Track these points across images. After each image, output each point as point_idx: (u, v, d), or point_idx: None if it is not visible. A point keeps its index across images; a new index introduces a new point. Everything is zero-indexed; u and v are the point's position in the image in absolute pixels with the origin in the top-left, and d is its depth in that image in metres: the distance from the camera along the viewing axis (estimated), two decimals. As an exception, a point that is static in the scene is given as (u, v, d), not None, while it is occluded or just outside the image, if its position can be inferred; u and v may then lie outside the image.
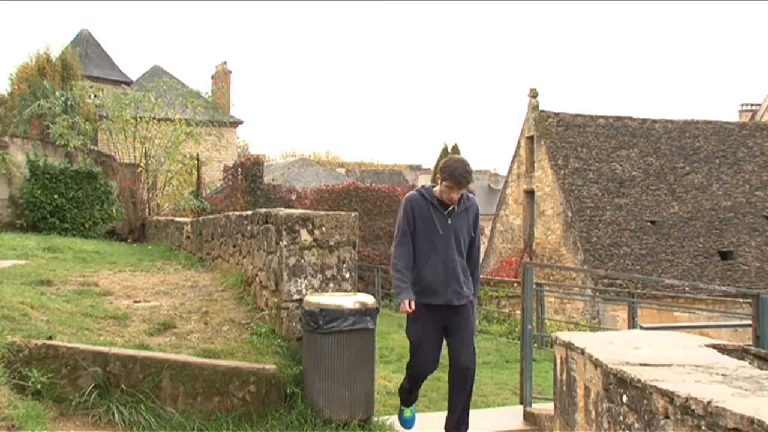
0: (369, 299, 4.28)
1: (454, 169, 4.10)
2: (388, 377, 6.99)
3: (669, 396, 2.07)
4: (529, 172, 21.06)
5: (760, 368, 2.77)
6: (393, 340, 10.04)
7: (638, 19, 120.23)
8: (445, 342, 4.33)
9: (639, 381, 2.28)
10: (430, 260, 4.15)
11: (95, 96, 18.46)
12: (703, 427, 1.89)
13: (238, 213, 6.62)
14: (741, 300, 14.06)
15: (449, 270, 4.15)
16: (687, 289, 16.70)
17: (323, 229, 4.60)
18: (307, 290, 4.54)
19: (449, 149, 33.60)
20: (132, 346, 4.35)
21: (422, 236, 4.19)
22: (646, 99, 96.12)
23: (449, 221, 4.21)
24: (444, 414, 4.45)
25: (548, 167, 19.83)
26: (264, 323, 4.86)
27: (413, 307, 4.04)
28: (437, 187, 4.26)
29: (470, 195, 4.35)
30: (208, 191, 22.51)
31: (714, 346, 3.02)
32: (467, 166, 4.15)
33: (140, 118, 15.98)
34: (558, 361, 3.52)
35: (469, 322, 4.28)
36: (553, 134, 20.30)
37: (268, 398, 4.14)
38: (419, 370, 4.31)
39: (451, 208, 4.22)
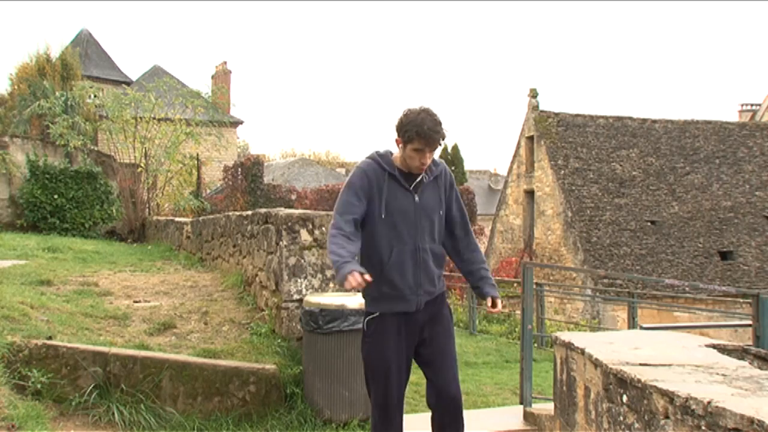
0: (369, 299, 4.28)
1: (420, 124, 2.97)
2: (388, 377, 6.98)
3: (669, 396, 2.07)
4: (529, 172, 21.06)
5: (760, 368, 2.77)
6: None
7: (638, 19, 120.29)
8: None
9: (639, 381, 2.28)
10: (393, 253, 3.04)
11: (95, 96, 18.49)
12: (703, 427, 1.89)
13: (238, 213, 6.63)
14: (741, 300, 14.06)
15: (420, 264, 3.07)
16: (687, 289, 16.70)
17: (323, 229, 4.60)
18: (307, 290, 4.55)
19: (449, 149, 33.63)
20: (132, 346, 4.35)
21: (380, 221, 3.06)
22: (646, 99, 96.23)
23: (416, 198, 3.09)
24: (424, 416, 3.65)
25: (548, 167, 19.83)
26: (264, 323, 4.86)
27: (367, 279, 2.81)
28: (397, 154, 3.14)
29: (436, 159, 3.22)
30: (208, 191, 22.53)
31: (714, 346, 3.02)
32: (436, 117, 3.04)
33: (140, 118, 16.01)
34: (558, 361, 3.52)
35: (450, 330, 3.23)
36: (553, 134, 20.30)
37: (268, 398, 4.14)
38: (386, 413, 3.10)
39: (418, 179, 3.11)
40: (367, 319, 3.16)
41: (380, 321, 3.10)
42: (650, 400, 2.19)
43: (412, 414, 5.49)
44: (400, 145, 3.06)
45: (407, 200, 3.08)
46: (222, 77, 30.42)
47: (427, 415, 3.38)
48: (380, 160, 3.12)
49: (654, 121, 21.47)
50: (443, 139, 3.07)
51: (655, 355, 2.71)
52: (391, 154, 3.16)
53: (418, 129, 2.97)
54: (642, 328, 5.01)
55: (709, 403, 1.89)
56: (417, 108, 3.06)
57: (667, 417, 2.10)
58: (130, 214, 14.98)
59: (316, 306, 4.14)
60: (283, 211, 4.75)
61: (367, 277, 2.82)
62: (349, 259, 2.87)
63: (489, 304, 3.18)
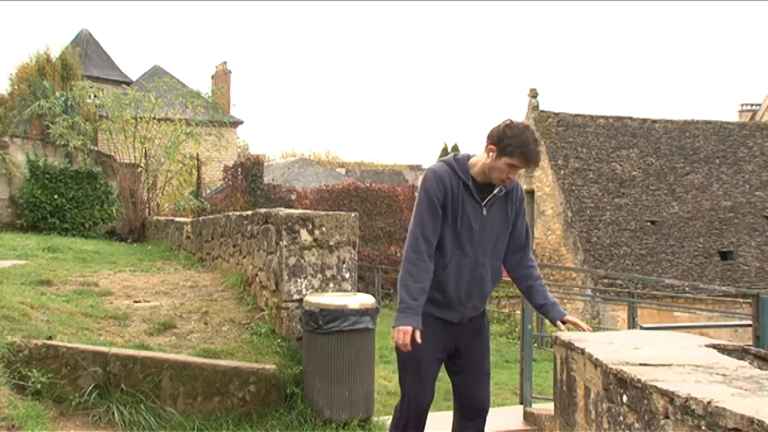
0: (369, 299, 4.28)
1: (526, 142, 2.89)
2: (388, 377, 6.99)
3: (669, 396, 2.07)
4: (529, 172, 21.06)
5: (760, 368, 2.77)
6: (393, 340, 10.03)
7: (638, 19, 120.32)
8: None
9: (639, 381, 2.28)
10: (452, 262, 3.02)
11: (95, 96, 18.48)
12: (703, 427, 1.89)
13: (238, 213, 6.63)
14: (741, 300, 14.06)
15: (476, 279, 3.06)
16: (687, 289, 16.70)
17: (323, 229, 4.60)
18: (307, 290, 4.54)
19: (449, 149, 33.59)
20: (132, 346, 4.35)
21: (445, 228, 3.00)
22: (646, 99, 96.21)
23: (484, 211, 3.04)
24: (447, 414, 3.85)
25: (548, 167, 19.83)
26: (264, 323, 4.86)
27: (418, 340, 2.90)
28: (475, 159, 3.05)
29: None
30: (208, 191, 22.53)
31: (714, 346, 3.01)
32: (537, 137, 3.02)
33: (140, 118, 16.00)
34: (558, 361, 3.51)
35: (487, 343, 3.27)
36: (553, 134, 20.30)
37: (268, 398, 4.14)
38: (417, 406, 3.14)
39: (493, 192, 3.05)
40: None
41: (425, 320, 3.05)
42: (650, 400, 2.19)
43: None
44: (492, 154, 2.95)
45: (475, 212, 3.03)
46: (222, 77, 30.41)
47: (437, 414, 3.40)
48: (455, 166, 3.05)
49: (654, 121, 21.48)
50: (536, 167, 3.08)
51: (655, 355, 2.70)
52: (468, 158, 3.08)
53: (523, 148, 2.90)
54: (642, 328, 5.00)
55: (709, 403, 1.88)
56: (521, 123, 3.00)
57: (667, 417, 2.10)
58: (130, 214, 14.97)
59: (316, 306, 4.13)
60: (283, 211, 4.75)
61: (418, 339, 2.88)
62: (415, 307, 2.93)
63: (562, 327, 3.24)
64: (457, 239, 3.01)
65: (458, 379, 3.21)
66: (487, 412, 3.25)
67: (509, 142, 2.91)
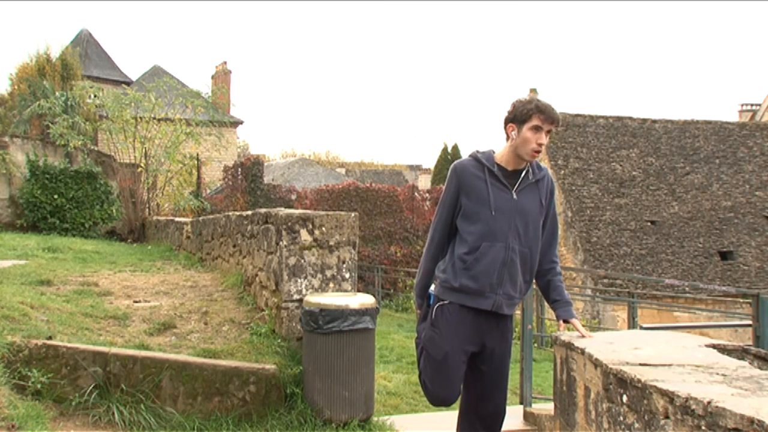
0: (369, 299, 4.28)
1: (537, 101, 3.03)
2: (388, 377, 6.99)
3: (669, 396, 2.07)
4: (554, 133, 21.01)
5: (760, 368, 2.77)
6: (393, 340, 10.05)
7: (638, 19, 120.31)
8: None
9: (639, 381, 2.28)
10: (482, 248, 3.02)
11: (95, 96, 18.47)
12: (703, 427, 1.89)
13: (238, 213, 6.62)
14: (741, 300, 14.06)
15: (508, 264, 3.04)
16: (687, 289, 16.70)
17: (323, 229, 4.60)
18: (307, 290, 4.54)
19: (449, 149, 33.62)
20: (132, 346, 4.34)
21: (473, 215, 3.05)
22: (646, 99, 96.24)
23: (514, 195, 3.06)
24: (446, 414, 3.97)
25: (548, 167, 19.81)
26: (264, 323, 4.86)
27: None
28: (500, 152, 3.14)
29: (541, 164, 3.19)
30: (208, 191, 22.52)
31: (714, 346, 3.01)
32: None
33: (140, 118, 15.99)
34: (558, 361, 3.51)
35: (510, 349, 3.24)
36: (553, 134, 20.31)
37: (268, 398, 4.14)
38: (438, 400, 3.19)
39: (521, 178, 3.09)
40: (437, 305, 3.14)
41: (449, 310, 3.09)
42: (650, 400, 2.19)
43: (412, 414, 5.49)
44: (513, 132, 3.05)
45: (504, 197, 3.06)
46: (222, 77, 30.41)
47: (430, 415, 3.41)
48: (479, 157, 3.13)
49: (654, 121, 21.48)
50: (558, 124, 3.08)
51: (655, 355, 2.70)
52: (493, 152, 3.16)
53: (537, 104, 3.00)
54: (642, 328, 5.00)
55: (709, 403, 1.88)
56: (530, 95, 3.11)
57: (667, 417, 2.10)
58: (130, 214, 14.97)
59: (316, 306, 4.13)
60: (283, 211, 4.74)
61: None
62: (420, 304, 3.26)
63: (562, 325, 3.32)
64: (487, 225, 3.03)
65: (477, 385, 3.19)
66: (503, 419, 3.25)
67: (523, 107, 3.02)
